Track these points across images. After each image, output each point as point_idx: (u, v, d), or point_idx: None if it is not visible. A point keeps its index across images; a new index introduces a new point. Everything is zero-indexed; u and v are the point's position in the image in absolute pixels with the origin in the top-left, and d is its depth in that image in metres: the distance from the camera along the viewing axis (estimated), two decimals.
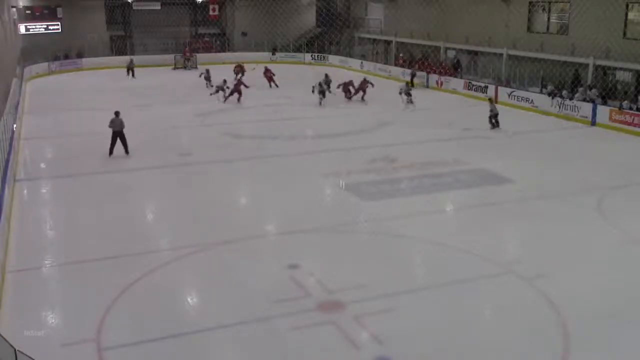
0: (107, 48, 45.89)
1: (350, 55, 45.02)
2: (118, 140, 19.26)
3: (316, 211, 14.71)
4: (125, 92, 32.81)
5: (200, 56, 44.74)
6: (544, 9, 31.43)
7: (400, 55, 40.60)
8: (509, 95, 29.29)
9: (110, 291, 10.43)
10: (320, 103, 27.93)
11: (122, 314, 9.83)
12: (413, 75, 34.86)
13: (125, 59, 40.90)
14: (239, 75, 34.72)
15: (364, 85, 29.87)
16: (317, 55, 46.67)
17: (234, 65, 37.00)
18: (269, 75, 34.53)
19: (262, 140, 22.17)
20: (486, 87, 30.87)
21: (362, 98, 29.72)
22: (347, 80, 30.26)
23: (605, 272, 11.39)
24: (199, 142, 21.74)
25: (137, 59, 41.53)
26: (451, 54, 37.27)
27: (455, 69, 35.44)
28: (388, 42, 43.39)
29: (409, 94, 28.22)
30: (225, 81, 29.66)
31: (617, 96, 25.64)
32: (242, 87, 29.19)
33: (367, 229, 13.83)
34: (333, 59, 45.72)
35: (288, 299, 10.24)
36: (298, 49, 47.85)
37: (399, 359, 8.63)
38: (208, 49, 47.43)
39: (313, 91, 28.65)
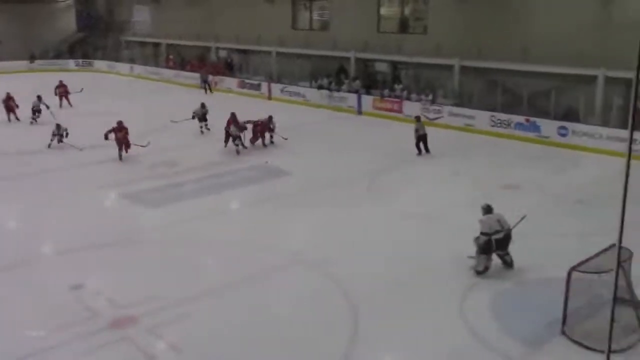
0: None
1: (118, 60, 43.24)
2: None
3: (98, 225, 13.80)
4: None
5: None
6: (306, 7, 33.00)
7: (171, 57, 39.97)
8: (281, 91, 30.37)
9: None
10: (238, 152, 19.81)
11: None
12: (205, 81, 33.35)
13: None
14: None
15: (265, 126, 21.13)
16: (82, 62, 44.09)
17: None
18: (63, 92, 28.89)
19: (23, 155, 20.22)
20: (259, 84, 31.66)
21: (267, 142, 21.21)
22: (258, 120, 21.24)
23: (384, 247, 12.31)
24: None
25: None
26: (223, 53, 37.56)
27: (228, 69, 35.81)
28: (157, 45, 42.46)
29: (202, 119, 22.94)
30: (59, 126, 21.00)
31: (378, 86, 27.89)
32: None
33: (155, 237, 13.37)
34: (99, 64, 43.56)
35: (76, 322, 9.54)
36: (59, 56, 44.73)
37: None
38: None
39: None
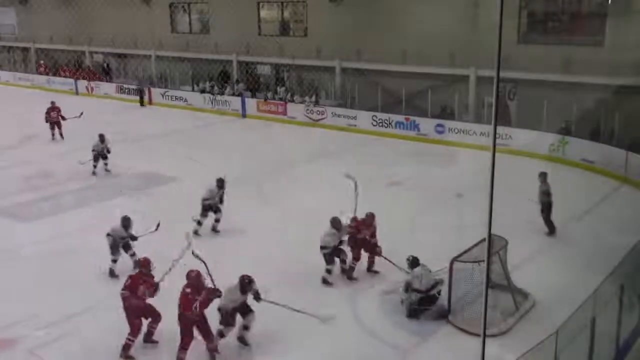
0: None
1: None
2: None
3: None
4: None
5: None
6: (184, 10, 32.37)
7: (42, 62, 37.93)
8: (162, 96, 29.62)
9: None
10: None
11: None
12: (142, 92, 29.96)
13: None
14: None
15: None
16: None
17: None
18: (56, 118, 22.01)
19: None
20: (140, 89, 30.68)
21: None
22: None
23: (274, 251, 12.27)
24: None
25: None
26: (98, 57, 36.08)
27: (105, 73, 34.47)
28: (26, 49, 40.15)
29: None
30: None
31: (262, 88, 27.89)
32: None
33: (31, 253, 12.58)
34: None
35: None
36: None
37: None
38: None
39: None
